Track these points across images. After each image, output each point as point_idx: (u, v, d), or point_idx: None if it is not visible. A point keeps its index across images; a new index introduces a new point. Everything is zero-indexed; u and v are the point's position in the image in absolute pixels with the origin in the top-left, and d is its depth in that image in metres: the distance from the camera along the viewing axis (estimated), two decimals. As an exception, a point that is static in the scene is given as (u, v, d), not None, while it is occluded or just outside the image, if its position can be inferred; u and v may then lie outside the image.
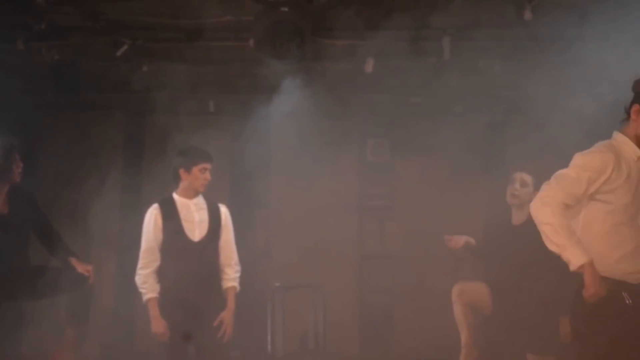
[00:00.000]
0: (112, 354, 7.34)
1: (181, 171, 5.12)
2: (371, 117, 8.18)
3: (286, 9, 5.09)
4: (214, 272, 5.18)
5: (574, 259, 3.58)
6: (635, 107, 3.71)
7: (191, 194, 5.16)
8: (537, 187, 5.50)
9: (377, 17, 5.61)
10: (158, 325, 5.00)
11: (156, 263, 5.07)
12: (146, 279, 5.05)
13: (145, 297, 5.05)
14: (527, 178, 5.53)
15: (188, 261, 5.03)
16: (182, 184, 5.16)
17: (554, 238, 3.62)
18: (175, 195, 5.18)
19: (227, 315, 5.11)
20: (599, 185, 3.65)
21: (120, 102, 7.97)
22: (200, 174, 5.08)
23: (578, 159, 3.73)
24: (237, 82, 6.87)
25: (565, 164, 3.80)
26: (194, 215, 5.13)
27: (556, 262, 5.39)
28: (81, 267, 5.11)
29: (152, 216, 5.12)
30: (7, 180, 5.04)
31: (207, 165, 5.11)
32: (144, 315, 5.12)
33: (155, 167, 7.75)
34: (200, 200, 5.19)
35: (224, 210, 5.28)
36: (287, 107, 7.06)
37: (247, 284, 5.39)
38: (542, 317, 5.26)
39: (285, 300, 7.74)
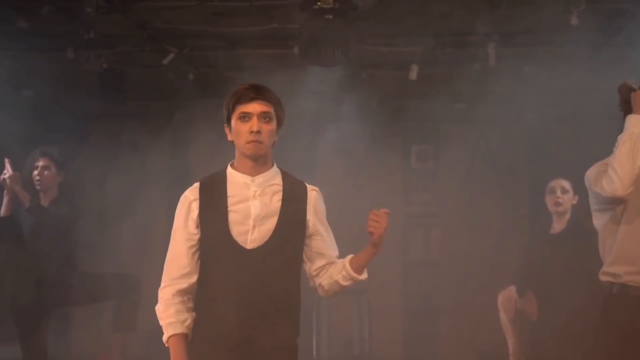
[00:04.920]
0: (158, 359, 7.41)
1: None
2: (415, 123, 8.16)
3: (331, 17, 5.10)
4: None
5: None
6: None
7: None
8: (577, 191, 5.47)
9: (422, 24, 5.61)
10: None
11: None
12: None
13: None
14: (566, 184, 5.51)
15: None
16: None
17: None
18: None
19: None
20: None
21: (167, 110, 8.05)
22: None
23: None
24: (282, 89, 6.89)
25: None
26: None
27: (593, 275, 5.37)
28: None
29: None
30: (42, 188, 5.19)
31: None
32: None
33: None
34: None
35: None
36: (331, 114, 7.08)
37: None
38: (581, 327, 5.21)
39: (331, 306, 7.75)
